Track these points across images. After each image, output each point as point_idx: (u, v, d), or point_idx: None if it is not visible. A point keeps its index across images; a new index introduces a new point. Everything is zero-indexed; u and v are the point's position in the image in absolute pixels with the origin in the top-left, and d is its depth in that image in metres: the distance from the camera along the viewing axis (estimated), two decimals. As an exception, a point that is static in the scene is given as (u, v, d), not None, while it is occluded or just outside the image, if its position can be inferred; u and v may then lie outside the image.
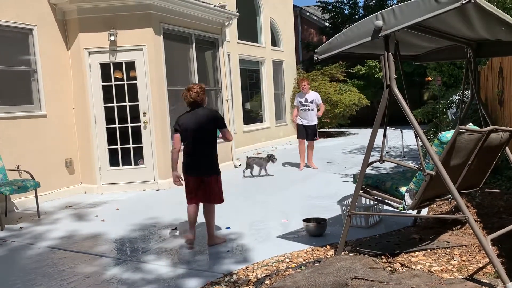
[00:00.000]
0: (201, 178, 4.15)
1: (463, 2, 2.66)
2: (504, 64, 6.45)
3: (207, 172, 4.15)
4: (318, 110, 8.41)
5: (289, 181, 7.30)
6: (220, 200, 4.25)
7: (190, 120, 4.13)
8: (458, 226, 4.27)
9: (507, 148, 3.92)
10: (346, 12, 19.84)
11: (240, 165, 9.04)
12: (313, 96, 8.27)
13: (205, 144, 4.14)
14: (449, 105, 10.59)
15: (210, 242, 4.27)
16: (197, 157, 4.13)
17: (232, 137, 4.47)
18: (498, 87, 7.14)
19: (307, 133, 8.28)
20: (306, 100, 8.23)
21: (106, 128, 7.18)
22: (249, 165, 7.81)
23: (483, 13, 2.99)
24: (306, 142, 8.39)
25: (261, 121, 13.15)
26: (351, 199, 3.67)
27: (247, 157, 7.99)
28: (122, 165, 7.23)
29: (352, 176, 4.37)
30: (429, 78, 13.57)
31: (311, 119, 8.22)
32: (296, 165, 8.86)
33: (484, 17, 3.12)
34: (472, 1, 2.65)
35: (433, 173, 3.20)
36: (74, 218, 5.66)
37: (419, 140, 3.26)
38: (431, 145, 3.25)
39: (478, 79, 4.17)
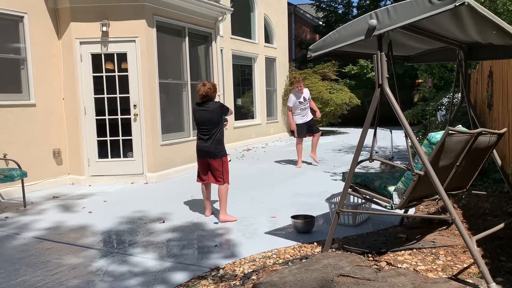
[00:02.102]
0: (208, 160, 4.85)
1: (457, 4, 2.68)
2: (493, 68, 6.52)
3: (213, 156, 4.81)
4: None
5: (279, 178, 7.31)
6: (225, 181, 4.88)
7: (199, 111, 4.83)
8: (444, 227, 4.32)
9: (494, 151, 3.97)
10: (340, 11, 19.90)
11: (230, 160, 9.01)
12: (307, 93, 8.43)
13: (210, 132, 4.80)
14: (439, 107, 10.68)
15: (221, 219, 4.84)
16: (203, 143, 4.83)
17: (232, 112, 5.10)
18: (487, 91, 7.21)
19: (311, 128, 8.36)
20: (304, 99, 8.33)
21: (96, 119, 7.11)
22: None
23: (476, 16, 3.01)
24: (305, 140, 8.56)
25: (252, 118, 13.14)
26: (339, 197, 3.69)
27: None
28: (111, 157, 7.18)
29: (341, 174, 4.39)
30: (420, 80, 13.66)
31: (310, 114, 8.41)
32: (287, 162, 8.89)
33: (477, 20, 3.14)
34: (466, 3, 2.67)
35: (422, 173, 3.23)
36: (60, 209, 5.60)
37: (409, 140, 3.28)
38: (421, 146, 3.27)
39: (468, 82, 4.20)
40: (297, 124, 8.32)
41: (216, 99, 5.06)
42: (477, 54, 4.14)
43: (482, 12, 2.89)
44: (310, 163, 8.61)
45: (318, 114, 8.54)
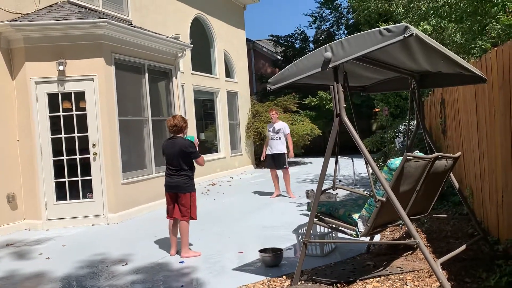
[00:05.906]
0: (175, 194, 4.83)
1: (406, 35, 2.82)
2: (445, 95, 6.84)
3: (181, 190, 4.79)
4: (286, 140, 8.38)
5: (245, 212, 7.23)
6: (190, 216, 4.81)
7: (168, 147, 4.85)
8: (410, 252, 4.37)
9: (451, 174, 4.10)
10: (297, 46, 20.53)
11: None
12: (280, 125, 8.41)
13: (177, 167, 4.79)
14: (396, 134, 11.04)
15: (183, 255, 4.78)
16: (172, 178, 4.82)
17: (203, 163, 5.02)
18: (440, 117, 7.53)
19: (274, 163, 8.29)
20: (274, 129, 8.38)
21: (53, 160, 6.86)
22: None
23: (425, 46, 3.17)
24: (280, 172, 8.40)
25: (216, 151, 13.09)
26: (306, 227, 3.67)
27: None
28: (70, 199, 6.90)
29: (307, 204, 4.39)
30: (377, 109, 14.14)
31: (278, 147, 8.26)
32: (252, 194, 8.84)
33: (426, 50, 3.31)
34: (414, 34, 2.81)
35: (384, 199, 3.28)
36: (15, 256, 5.28)
37: (370, 167, 3.34)
38: (381, 172, 3.33)
39: (422, 109, 4.38)
40: (265, 155, 8.45)
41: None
42: (428, 82, 4.34)
43: (430, 42, 3.05)
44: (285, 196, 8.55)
45: (290, 155, 8.36)
